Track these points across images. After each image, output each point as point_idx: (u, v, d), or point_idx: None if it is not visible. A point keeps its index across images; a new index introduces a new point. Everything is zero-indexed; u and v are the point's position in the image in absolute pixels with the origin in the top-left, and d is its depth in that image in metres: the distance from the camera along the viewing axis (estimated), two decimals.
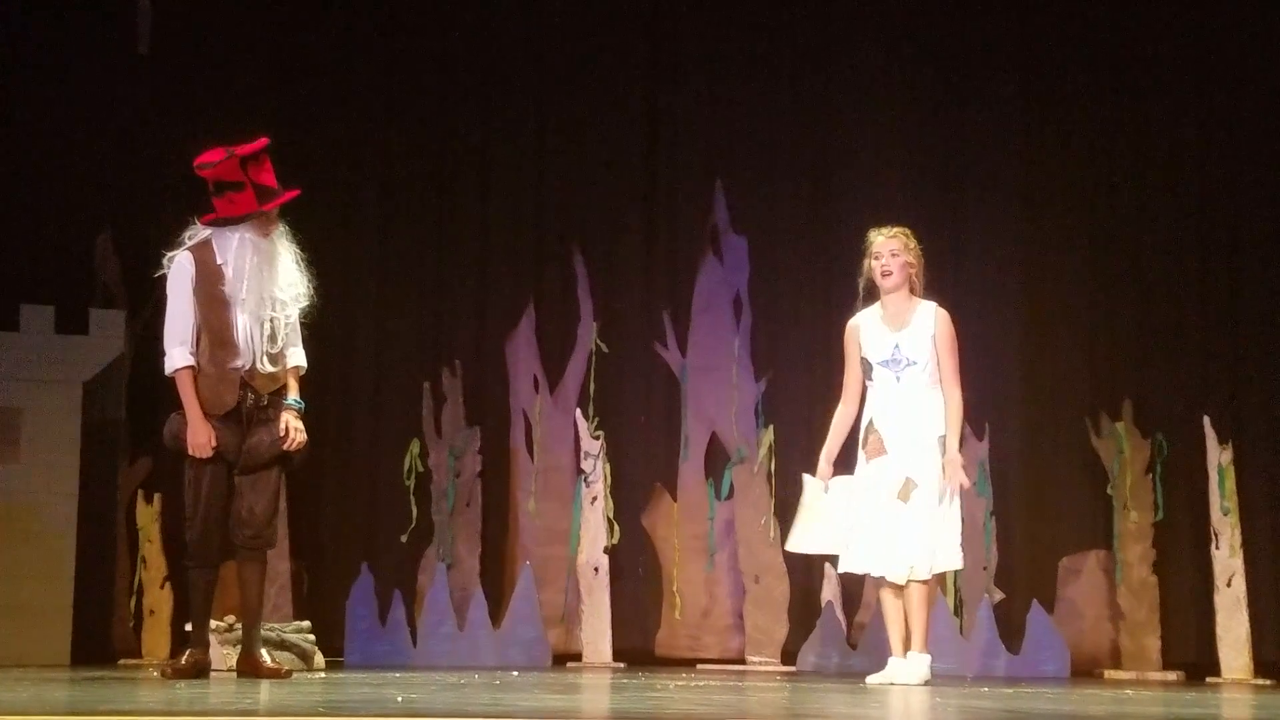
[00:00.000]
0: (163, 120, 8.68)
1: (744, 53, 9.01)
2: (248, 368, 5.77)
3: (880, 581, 6.32)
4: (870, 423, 6.36)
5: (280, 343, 5.84)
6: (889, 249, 6.42)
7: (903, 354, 6.32)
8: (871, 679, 6.22)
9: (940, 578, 6.57)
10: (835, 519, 6.39)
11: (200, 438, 5.73)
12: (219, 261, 5.78)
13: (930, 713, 4.29)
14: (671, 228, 9.00)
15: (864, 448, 6.37)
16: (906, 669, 6.16)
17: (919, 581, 6.22)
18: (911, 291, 6.44)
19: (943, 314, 6.41)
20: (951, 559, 6.31)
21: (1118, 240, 8.64)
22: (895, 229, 6.50)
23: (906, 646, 6.25)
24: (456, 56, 9.11)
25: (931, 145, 8.78)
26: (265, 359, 5.79)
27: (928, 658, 6.21)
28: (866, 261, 6.49)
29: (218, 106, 8.53)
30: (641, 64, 9.09)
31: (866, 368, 6.39)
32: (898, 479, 6.24)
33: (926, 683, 6.10)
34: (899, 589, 6.27)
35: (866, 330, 6.42)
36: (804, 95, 8.97)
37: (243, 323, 5.76)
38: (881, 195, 8.74)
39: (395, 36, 9.11)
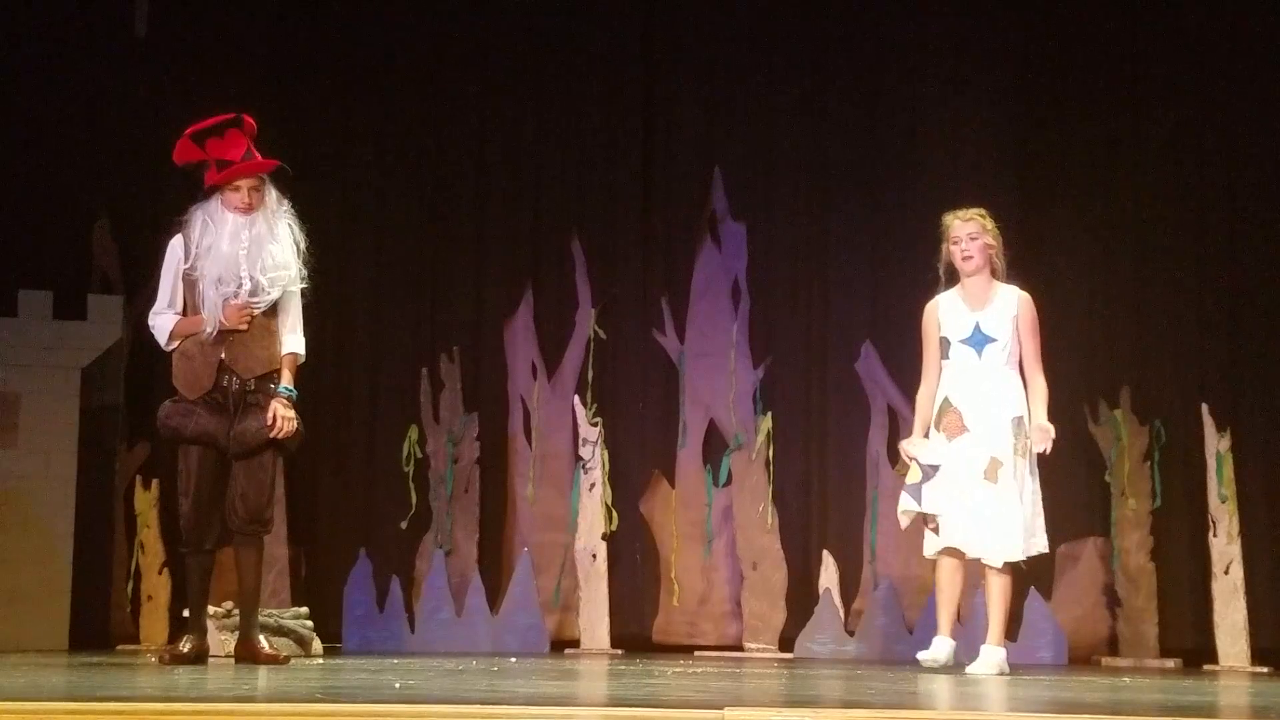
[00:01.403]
0: (160, 104, 8.65)
1: (742, 39, 9.00)
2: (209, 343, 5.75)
3: (944, 558, 6.16)
4: (945, 400, 6.22)
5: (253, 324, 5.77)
6: (967, 232, 6.28)
7: (983, 332, 6.21)
8: (924, 655, 6.08)
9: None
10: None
11: (233, 313, 5.71)
12: (192, 240, 5.78)
13: (926, 699, 4.28)
14: (669, 214, 8.99)
15: (939, 428, 6.23)
16: (985, 662, 6.02)
17: (998, 571, 6.11)
18: (993, 274, 6.32)
19: (1025, 297, 6.29)
20: (1041, 542, 6.19)
21: (1115, 226, 8.64)
22: (971, 211, 6.34)
23: (954, 626, 6.19)
24: (453, 41, 9.09)
25: (929, 132, 8.76)
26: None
27: (1004, 651, 6.09)
28: (945, 246, 6.33)
29: (215, 90, 8.47)
30: (640, 49, 9.07)
31: (945, 346, 6.27)
32: (983, 458, 6.11)
33: (1002, 673, 5.95)
34: (960, 566, 6.21)
35: (946, 309, 6.30)
36: (802, 82, 8.95)
37: (211, 300, 5.74)
38: (879, 183, 8.75)
39: (392, 22, 9.09)
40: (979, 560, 6.19)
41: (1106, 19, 8.71)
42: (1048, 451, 6.20)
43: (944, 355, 6.29)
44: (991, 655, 6.06)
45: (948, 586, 6.21)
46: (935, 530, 6.21)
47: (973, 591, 7.81)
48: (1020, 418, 6.20)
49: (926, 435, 6.31)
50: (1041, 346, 6.37)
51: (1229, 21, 8.58)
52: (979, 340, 6.23)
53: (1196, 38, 8.64)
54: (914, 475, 6.25)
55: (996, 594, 6.15)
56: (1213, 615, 7.96)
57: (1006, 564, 6.14)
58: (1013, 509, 6.09)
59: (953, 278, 6.38)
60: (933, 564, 6.33)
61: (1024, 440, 6.19)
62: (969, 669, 6.05)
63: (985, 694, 4.58)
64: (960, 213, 6.36)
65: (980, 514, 6.10)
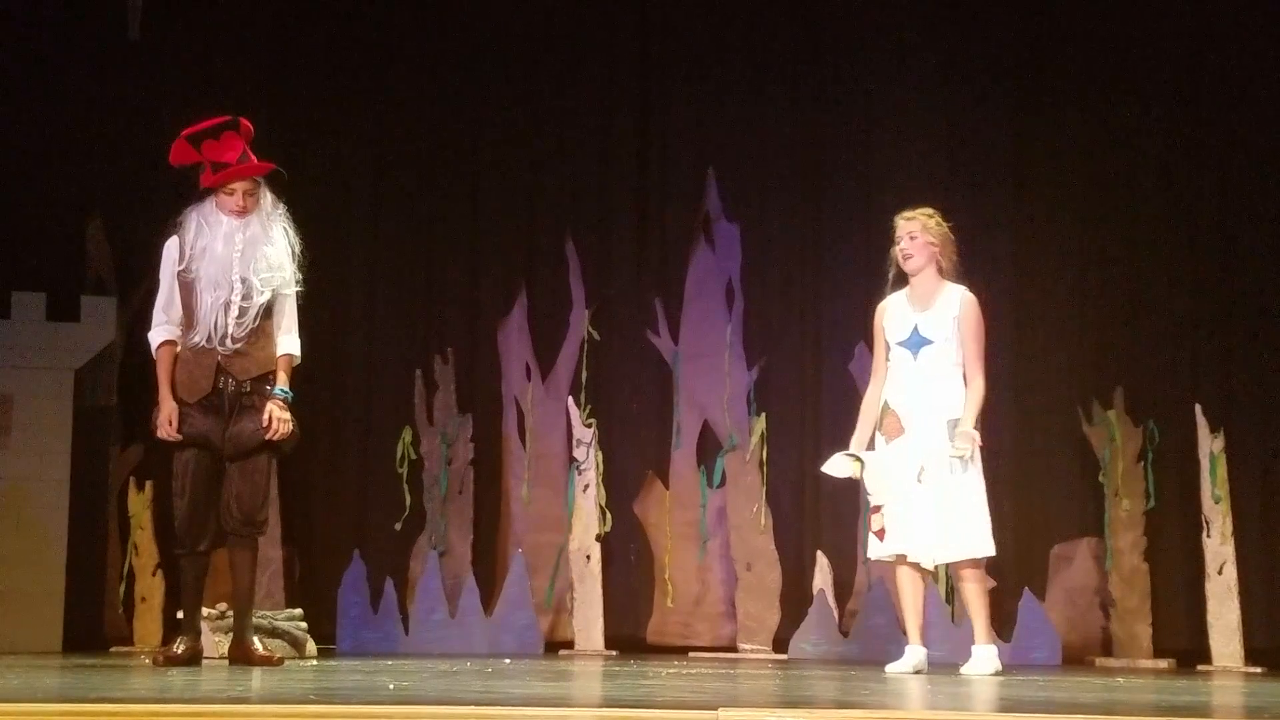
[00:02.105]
0: (154, 106, 8.65)
1: (736, 40, 9.00)
2: (204, 344, 5.73)
3: (898, 565, 6.17)
4: (885, 403, 6.22)
5: (249, 325, 5.76)
6: (907, 231, 6.26)
7: (921, 334, 6.19)
8: (891, 667, 6.03)
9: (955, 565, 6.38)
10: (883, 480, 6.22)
11: (160, 417, 5.73)
12: (187, 242, 5.78)
13: (921, 700, 4.29)
14: (663, 215, 9.00)
15: (880, 429, 6.23)
16: (977, 663, 6.00)
17: (966, 572, 6.10)
18: (941, 273, 6.28)
19: (969, 298, 6.24)
20: (983, 545, 6.10)
21: (1110, 228, 8.65)
22: (916, 210, 6.32)
23: (923, 635, 6.19)
24: (448, 43, 9.10)
25: (923, 133, 8.77)
26: (229, 340, 5.74)
27: (994, 648, 6.07)
28: (893, 248, 6.34)
29: (208, 92, 8.51)
30: (634, 51, 9.08)
31: (887, 348, 6.28)
32: (918, 461, 6.10)
33: (998, 673, 5.92)
34: (918, 574, 6.20)
35: (891, 311, 6.30)
36: (796, 83, 8.96)
37: (205, 302, 5.73)
38: (873, 183, 8.75)
39: (387, 22, 9.09)
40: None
41: (1100, 18, 8.71)
42: (967, 458, 6.09)
43: (887, 357, 6.31)
44: (984, 655, 6.06)
45: (910, 592, 6.18)
46: (879, 535, 6.20)
47: None
48: (957, 420, 6.15)
49: (871, 444, 6.29)
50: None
51: (1223, 20, 8.59)
52: (915, 342, 6.22)
53: (1191, 37, 8.65)
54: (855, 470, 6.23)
55: (970, 596, 6.14)
56: (1206, 616, 7.97)
57: (971, 563, 6.12)
58: (950, 512, 6.06)
59: (902, 279, 6.37)
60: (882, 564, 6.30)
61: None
62: (963, 669, 6.05)
63: (979, 694, 4.58)
64: (906, 212, 6.35)
65: (922, 517, 6.08)
